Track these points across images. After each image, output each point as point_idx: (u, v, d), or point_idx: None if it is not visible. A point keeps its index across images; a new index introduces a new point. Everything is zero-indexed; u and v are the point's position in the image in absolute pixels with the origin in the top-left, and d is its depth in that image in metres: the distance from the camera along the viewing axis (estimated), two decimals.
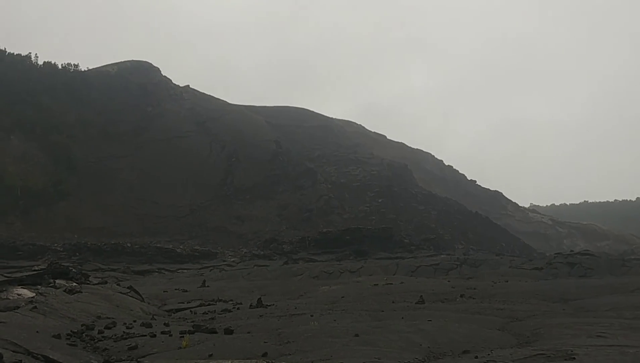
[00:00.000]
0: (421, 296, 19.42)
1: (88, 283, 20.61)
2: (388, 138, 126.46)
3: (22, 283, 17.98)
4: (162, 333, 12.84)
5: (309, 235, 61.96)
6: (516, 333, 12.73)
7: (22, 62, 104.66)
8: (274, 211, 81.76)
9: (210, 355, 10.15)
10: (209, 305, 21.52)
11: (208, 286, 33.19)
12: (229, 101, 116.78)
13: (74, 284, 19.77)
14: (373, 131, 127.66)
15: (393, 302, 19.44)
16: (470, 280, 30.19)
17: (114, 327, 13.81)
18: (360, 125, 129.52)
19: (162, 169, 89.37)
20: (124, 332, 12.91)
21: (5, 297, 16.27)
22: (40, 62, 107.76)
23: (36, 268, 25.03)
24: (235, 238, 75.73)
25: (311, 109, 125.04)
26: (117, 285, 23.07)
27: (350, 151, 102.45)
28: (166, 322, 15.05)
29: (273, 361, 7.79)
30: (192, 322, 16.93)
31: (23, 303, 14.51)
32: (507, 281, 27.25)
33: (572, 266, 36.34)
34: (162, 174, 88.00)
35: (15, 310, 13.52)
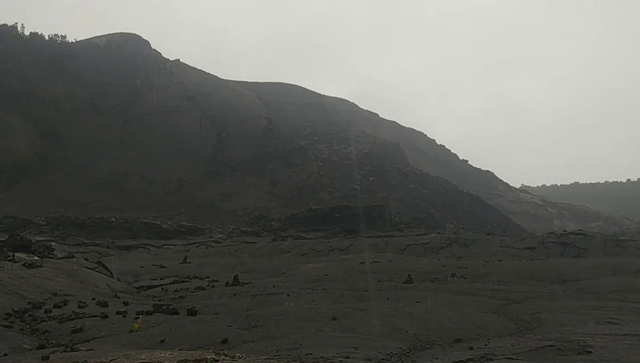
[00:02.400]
0: (409, 275, 18.08)
1: (52, 257, 19.10)
2: (380, 116, 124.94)
3: None
4: (117, 313, 11.43)
5: (298, 213, 60.66)
6: (514, 318, 11.38)
7: (8, 33, 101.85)
8: (263, 188, 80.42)
9: (162, 341, 8.75)
10: (182, 282, 20.14)
11: (189, 262, 31.92)
12: (220, 77, 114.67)
13: (36, 258, 18.28)
14: (366, 109, 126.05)
15: (379, 281, 18.09)
16: (461, 259, 28.94)
17: (65, 305, 12.38)
18: (352, 103, 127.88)
19: (150, 144, 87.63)
20: (73, 311, 11.49)
21: None
22: (26, 33, 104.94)
23: None
24: (224, 215, 74.41)
25: (304, 86, 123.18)
26: (85, 259, 21.59)
27: (342, 129, 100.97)
28: (126, 300, 13.64)
29: (225, 353, 6.36)
30: (158, 300, 15.53)
31: None
32: (500, 261, 25.93)
33: (565, 246, 35.35)
34: (150, 149, 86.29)
35: None
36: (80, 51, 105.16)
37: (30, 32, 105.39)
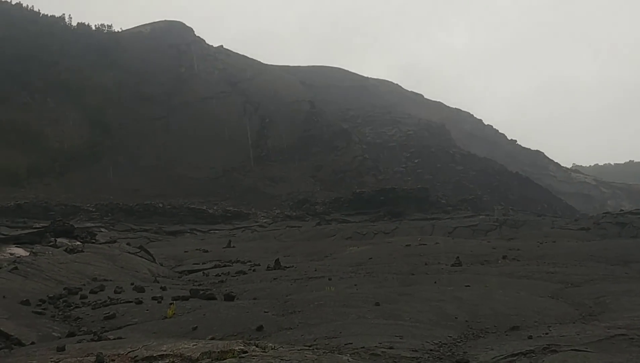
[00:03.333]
0: (458, 257, 17.17)
1: (93, 242, 19.02)
2: (426, 97, 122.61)
3: (18, 241, 16.43)
4: (153, 299, 11.06)
5: (342, 196, 60.04)
6: (575, 303, 10.45)
7: (56, 24, 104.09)
8: (307, 172, 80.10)
9: (194, 328, 8.27)
10: (224, 266, 19.79)
11: (234, 246, 31.74)
12: (263, 62, 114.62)
13: (78, 243, 18.21)
14: (410, 90, 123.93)
15: (426, 264, 17.28)
16: (512, 240, 27.69)
17: (102, 291, 12.10)
18: (396, 84, 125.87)
19: (195, 131, 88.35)
20: (109, 297, 11.17)
21: None
22: (74, 24, 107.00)
23: (38, 226, 23.67)
24: (269, 199, 74.47)
25: (347, 69, 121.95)
26: (127, 244, 21.49)
27: (385, 111, 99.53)
28: (163, 285, 13.30)
29: (256, 342, 5.78)
30: (198, 284, 15.18)
31: (5, 264, 12.90)
32: (555, 242, 24.62)
33: (623, 226, 33.54)
34: (195, 135, 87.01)
35: None
36: (126, 40, 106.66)
37: (78, 23, 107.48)
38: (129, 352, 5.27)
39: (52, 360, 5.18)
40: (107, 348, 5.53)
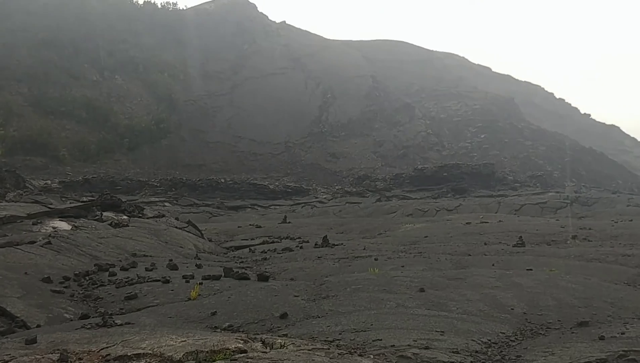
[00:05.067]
0: (520, 237, 15.70)
1: (140, 217, 18.66)
2: (493, 70, 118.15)
3: (62, 215, 16.18)
4: (183, 277, 10.35)
5: (404, 172, 58.55)
6: None
7: (123, 2, 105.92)
8: (369, 148, 78.87)
9: (213, 314, 7.45)
10: (272, 242, 19.06)
11: (289, 222, 31.09)
12: (326, 37, 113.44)
13: (124, 217, 17.86)
14: (477, 63, 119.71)
15: (485, 244, 15.91)
16: (583, 219, 25.66)
17: (134, 267, 11.53)
18: (463, 57, 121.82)
19: (258, 107, 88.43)
20: (137, 275, 10.53)
21: (37, 230, 14.46)
22: (140, 2, 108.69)
23: (85, 199, 23.65)
24: (330, 175, 73.79)
25: (411, 42, 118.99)
26: (176, 219, 21.09)
27: (451, 85, 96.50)
28: (199, 263, 12.60)
29: (263, 337, 4.85)
30: (241, 261, 14.48)
31: (41, 238, 12.53)
32: (632, 221, 22.49)
33: None
34: (258, 111, 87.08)
35: (22, 245, 11.50)
36: (190, 17, 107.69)
37: (144, 1, 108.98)
38: (102, 349, 4.46)
39: (9, 356, 4.43)
40: (82, 343, 4.74)
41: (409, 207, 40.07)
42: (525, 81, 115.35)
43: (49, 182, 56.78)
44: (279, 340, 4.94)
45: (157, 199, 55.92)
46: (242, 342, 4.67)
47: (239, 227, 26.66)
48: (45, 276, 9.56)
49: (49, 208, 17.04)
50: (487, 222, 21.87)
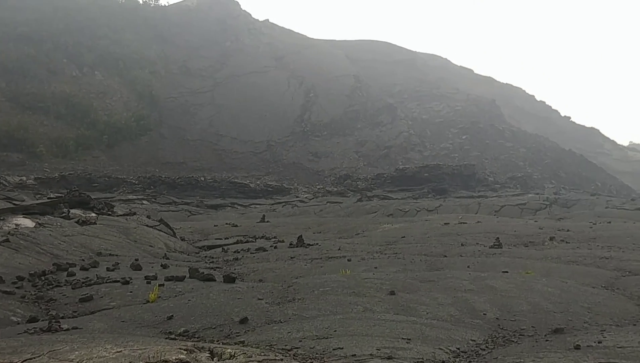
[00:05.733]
0: (498, 238, 15.41)
1: (110, 214, 18.09)
2: (475, 72, 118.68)
3: (27, 211, 15.56)
4: (146, 278, 9.88)
5: (385, 172, 58.40)
6: (634, 296, 8.71)
7: None
8: (351, 147, 78.71)
9: (170, 318, 7.01)
10: (247, 242, 18.62)
11: (268, 221, 30.68)
12: (309, 36, 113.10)
13: (92, 214, 17.28)
14: (459, 65, 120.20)
15: (462, 245, 15.59)
16: (562, 220, 25.54)
17: (94, 267, 11.03)
18: (445, 59, 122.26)
19: (240, 105, 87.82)
20: (97, 275, 10.03)
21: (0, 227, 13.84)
22: None
23: (52, 196, 23.01)
24: (311, 175, 73.48)
25: (394, 43, 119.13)
26: (147, 217, 20.55)
27: (433, 86, 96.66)
28: (165, 263, 12.12)
29: (211, 347, 4.43)
30: (211, 261, 14.03)
31: (1, 235, 11.96)
32: (610, 223, 22.39)
33: None
34: (240, 110, 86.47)
35: None
36: (172, 13, 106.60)
37: None
38: (24, 361, 4.02)
39: None
40: (5, 353, 4.28)
41: (390, 207, 39.91)
42: (506, 83, 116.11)
43: (24, 178, 55.63)
44: (229, 350, 4.52)
45: (134, 197, 55.09)
46: (185, 352, 4.25)
47: (215, 226, 26.16)
48: (4, 275, 9.03)
49: (13, 204, 16.40)
50: (466, 223, 21.62)
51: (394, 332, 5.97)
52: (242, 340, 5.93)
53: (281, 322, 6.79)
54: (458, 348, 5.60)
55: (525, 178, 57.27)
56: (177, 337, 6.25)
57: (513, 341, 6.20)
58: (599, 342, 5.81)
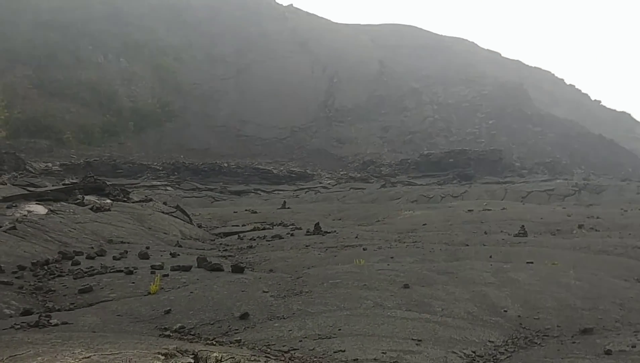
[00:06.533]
0: (523, 226, 14.70)
1: (125, 201, 17.81)
2: (503, 55, 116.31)
3: (41, 198, 15.35)
4: (152, 267, 9.51)
5: (409, 158, 57.60)
6: None
7: None
8: (375, 133, 77.93)
9: (167, 312, 6.59)
10: (264, 229, 18.20)
11: (288, 208, 30.32)
12: (333, 20, 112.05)
13: (107, 201, 17.01)
14: (486, 48, 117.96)
15: (485, 234, 14.97)
16: (591, 207, 24.58)
17: (101, 256, 10.69)
18: (472, 42, 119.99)
19: (264, 91, 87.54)
20: (102, 264, 9.69)
21: (10, 214, 13.62)
22: None
23: (67, 182, 22.85)
24: (335, 161, 72.97)
25: (420, 27, 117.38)
26: (164, 204, 20.26)
27: (460, 70, 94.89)
28: (174, 251, 11.73)
29: (198, 351, 3.98)
30: (224, 249, 13.65)
31: (7, 222, 11.70)
32: None
33: None
34: (264, 96, 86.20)
35: None
36: (196, 0, 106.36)
37: None
38: None
39: None
40: None
41: (414, 193, 39.29)
42: (535, 67, 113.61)
43: (49, 165, 56.17)
44: (215, 354, 4.07)
45: (158, 183, 55.28)
46: (163, 357, 3.80)
47: (234, 212, 25.84)
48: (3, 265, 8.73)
49: (28, 190, 16.22)
50: (490, 210, 20.89)
51: (403, 332, 5.47)
52: (239, 338, 5.49)
53: (284, 318, 6.32)
54: (474, 352, 5.07)
55: (553, 164, 55.94)
56: (171, 334, 5.84)
57: (536, 343, 5.63)
58: (632, 346, 5.21)
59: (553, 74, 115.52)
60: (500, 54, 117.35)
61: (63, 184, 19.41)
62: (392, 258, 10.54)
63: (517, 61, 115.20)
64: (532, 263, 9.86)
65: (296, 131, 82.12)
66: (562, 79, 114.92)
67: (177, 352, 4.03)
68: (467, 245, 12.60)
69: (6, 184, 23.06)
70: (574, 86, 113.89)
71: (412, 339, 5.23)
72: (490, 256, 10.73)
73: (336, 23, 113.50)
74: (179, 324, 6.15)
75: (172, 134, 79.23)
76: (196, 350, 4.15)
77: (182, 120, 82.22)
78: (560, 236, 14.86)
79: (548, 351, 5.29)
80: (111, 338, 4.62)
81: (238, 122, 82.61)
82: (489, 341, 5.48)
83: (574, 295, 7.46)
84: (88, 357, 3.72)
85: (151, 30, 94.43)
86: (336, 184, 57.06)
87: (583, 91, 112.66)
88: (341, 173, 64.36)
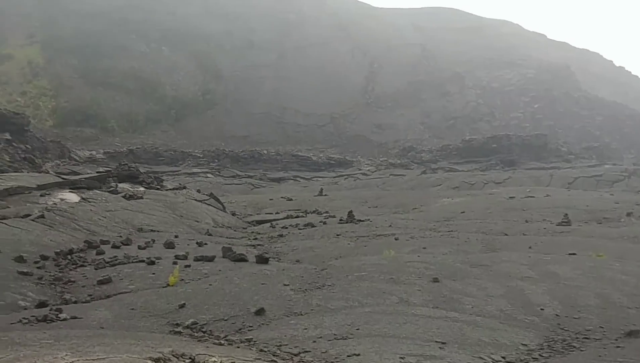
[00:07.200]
0: (566, 214, 13.93)
1: (159, 188, 17.76)
2: (549, 37, 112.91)
3: (74, 186, 15.40)
4: (176, 257, 9.28)
5: (451, 144, 56.53)
6: None
7: None
8: (416, 118, 76.87)
9: (182, 306, 6.30)
10: (297, 217, 17.90)
11: (325, 195, 30.00)
12: (374, 5, 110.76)
13: (141, 189, 16.99)
14: (532, 30, 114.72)
15: (526, 222, 14.28)
16: None
17: (127, 245, 10.54)
18: (517, 24, 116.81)
19: (304, 77, 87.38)
20: (125, 254, 9.51)
21: (43, 202, 13.67)
22: None
23: (101, 170, 22.97)
24: (375, 147, 72.40)
25: (462, 10, 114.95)
26: (197, 191, 20.16)
27: (503, 53, 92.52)
28: (201, 240, 11.50)
29: (202, 355, 3.64)
30: (254, 238, 13.40)
31: (37, 211, 11.68)
32: None
33: None
34: (304, 82, 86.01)
35: (8, 219, 10.64)
36: None
37: None
38: None
39: None
40: None
41: (455, 180, 38.49)
42: (583, 48, 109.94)
43: (94, 153, 57.32)
44: (214, 359, 3.73)
45: (199, 170, 55.80)
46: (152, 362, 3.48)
47: (270, 200, 25.58)
48: (20, 254, 8.63)
49: (62, 178, 16.29)
50: (533, 196, 20.06)
51: (427, 333, 5.02)
52: (250, 337, 5.16)
53: (300, 315, 5.96)
54: (503, 358, 4.58)
55: (601, 148, 53.96)
56: (183, 330, 5.56)
57: (575, 347, 5.09)
58: None
59: (601, 56, 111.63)
60: (545, 36, 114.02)
61: (97, 173, 19.52)
62: (424, 248, 10.06)
63: (564, 42, 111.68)
64: (574, 254, 9.23)
65: (336, 117, 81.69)
66: (611, 61, 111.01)
67: (173, 355, 3.72)
68: (506, 234, 11.99)
69: (48, 172, 23.40)
70: (623, 67, 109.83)
71: (436, 341, 4.78)
72: (530, 247, 10.13)
73: (376, 7, 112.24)
74: (192, 319, 5.86)
75: (213, 121, 79.93)
76: (194, 354, 3.82)
77: (222, 107, 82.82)
78: (606, 225, 14.06)
79: (588, 357, 4.74)
80: (108, 338, 4.35)
81: (278, 109, 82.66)
82: (522, 344, 4.98)
83: (619, 290, 6.85)
84: None
85: (192, 18, 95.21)
86: (375, 171, 56.48)
87: (633, 73, 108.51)
88: (381, 159, 63.71)
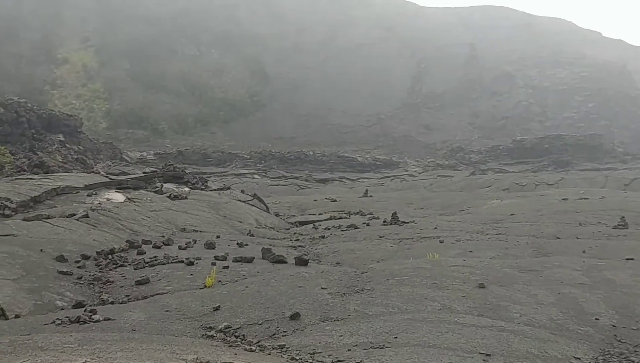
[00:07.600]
0: (623, 217, 13.24)
1: (204, 189, 17.83)
2: (604, 35, 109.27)
3: (120, 186, 15.59)
4: (215, 258, 9.17)
5: (500, 144, 55.30)
6: None
7: None
8: (465, 119, 75.67)
9: (216, 309, 6.14)
10: (340, 218, 17.66)
11: (371, 196, 29.73)
12: (421, 4, 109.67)
13: (185, 189, 17.09)
14: (585, 28, 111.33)
15: (580, 225, 13.63)
16: None
17: (168, 245, 10.51)
18: (569, 22, 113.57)
19: (350, 78, 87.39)
20: (165, 254, 9.46)
21: (89, 202, 13.86)
22: None
23: (147, 171, 23.22)
24: (422, 148, 71.56)
25: (513, 7, 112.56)
26: (242, 191, 20.17)
27: (556, 51, 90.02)
28: (242, 241, 11.38)
29: (213, 360, 3.45)
30: (296, 239, 13.23)
31: (82, 211, 11.80)
32: None
33: None
34: (350, 83, 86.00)
35: (53, 219, 10.77)
36: None
37: None
38: None
39: None
40: None
41: (505, 181, 37.60)
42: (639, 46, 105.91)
43: (144, 154, 58.66)
44: None
45: (246, 171, 56.38)
46: None
47: (314, 201, 25.46)
48: (62, 254, 8.67)
49: (110, 178, 16.51)
50: (587, 198, 19.25)
51: (470, 343, 4.69)
52: (283, 343, 4.94)
53: (337, 320, 5.71)
54: None
55: None
56: (215, 334, 5.39)
57: (633, 361, 4.67)
58: None
59: None
60: (601, 34, 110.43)
61: (143, 173, 19.77)
62: (470, 252, 9.66)
63: (620, 40, 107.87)
64: (632, 259, 8.68)
65: (382, 118, 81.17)
66: None
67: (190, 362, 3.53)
68: (558, 238, 11.44)
69: (99, 172, 23.82)
70: None
71: (480, 353, 4.45)
72: (584, 251, 9.60)
73: (424, 7, 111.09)
74: (225, 323, 5.69)
75: (260, 123, 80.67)
76: (219, 362, 3.62)
77: (269, 109, 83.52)
78: None
79: None
80: (134, 343, 4.20)
81: (324, 111, 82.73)
82: (575, 357, 4.59)
83: None
84: None
85: (240, 21, 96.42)
86: (423, 172, 55.75)
87: None
88: (428, 160, 62.86)
